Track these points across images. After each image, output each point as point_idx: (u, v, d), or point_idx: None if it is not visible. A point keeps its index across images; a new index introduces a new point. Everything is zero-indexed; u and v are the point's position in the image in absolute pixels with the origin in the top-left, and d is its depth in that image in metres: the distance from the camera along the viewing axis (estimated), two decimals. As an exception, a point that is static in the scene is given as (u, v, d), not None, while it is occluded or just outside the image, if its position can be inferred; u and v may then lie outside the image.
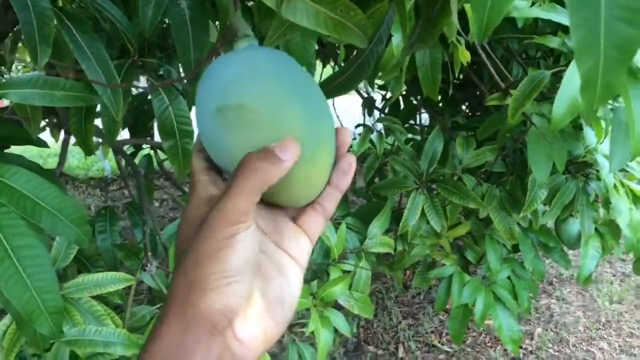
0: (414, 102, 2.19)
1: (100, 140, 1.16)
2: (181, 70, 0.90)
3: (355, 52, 0.64)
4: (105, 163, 4.71)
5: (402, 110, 2.22)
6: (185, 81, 0.82)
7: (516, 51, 1.75)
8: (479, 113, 2.23)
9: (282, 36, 0.58)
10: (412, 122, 2.28)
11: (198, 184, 0.41)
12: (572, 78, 0.99)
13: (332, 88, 0.63)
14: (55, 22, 0.65)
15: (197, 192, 0.40)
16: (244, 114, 0.38)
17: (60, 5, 0.72)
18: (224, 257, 0.35)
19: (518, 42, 1.76)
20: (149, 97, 1.38)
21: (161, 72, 0.90)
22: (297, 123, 0.39)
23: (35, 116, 0.83)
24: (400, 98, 2.20)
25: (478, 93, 2.09)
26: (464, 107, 2.26)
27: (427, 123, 2.37)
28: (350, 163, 0.43)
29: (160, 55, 0.95)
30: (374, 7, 0.57)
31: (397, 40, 1.05)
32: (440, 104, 2.13)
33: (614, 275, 3.02)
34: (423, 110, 2.23)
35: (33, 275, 0.64)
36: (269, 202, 0.42)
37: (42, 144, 0.87)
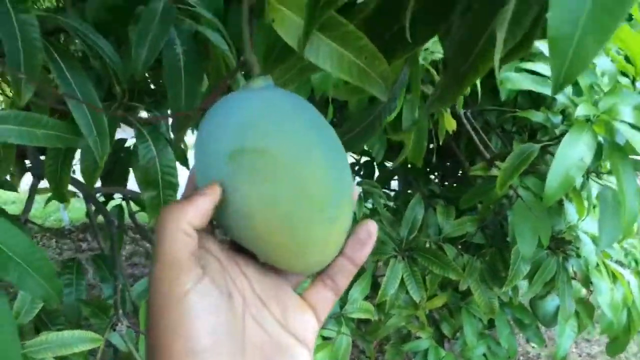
0: (388, 167, 2.19)
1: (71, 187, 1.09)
2: (170, 121, 0.85)
3: (365, 109, 0.61)
4: (63, 213, 4.53)
5: (378, 176, 2.20)
6: (172, 126, 0.76)
7: (494, 124, 1.78)
8: (452, 182, 2.23)
9: (291, 81, 0.54)
10: (384, 188, 2.26)
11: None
12: (564, 153, 0.99)
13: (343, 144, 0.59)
14: (43, 54, 0.60)
15: (164, 252, 0.34)
16: (264, 161, 0.33)
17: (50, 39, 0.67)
18: (186, 330, 0.29)
19: (497, 116, 1.79)
20: (126, 144, 1.34)
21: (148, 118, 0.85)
22: (321, 174, 0.35)
23: (8, 156, 0.76)
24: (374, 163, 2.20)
25: (450, 163, 2.10)
26: (433, 176, 2.26)
27: (397, 189, 2.36)
28: (369, 232, 0.38)
29: (148, 101, 0.90)
30: (390, 64, 0.54)
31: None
32: (411, 172, 2.13)
33: (580, 356, 2.99)
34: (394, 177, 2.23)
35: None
36: (272, 266, 0.37)
37: (11, 187, 0.79)
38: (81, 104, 0.64)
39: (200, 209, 0.32)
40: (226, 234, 0.36)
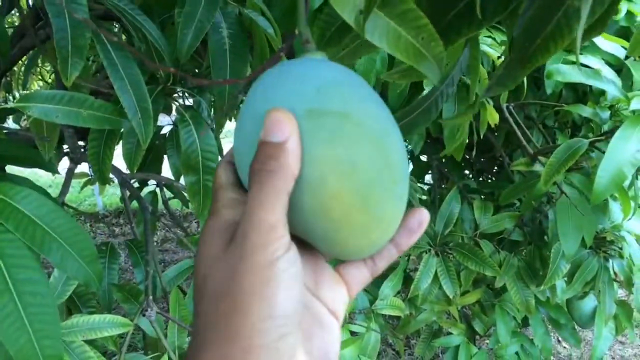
0: (425, 161, 2.15)
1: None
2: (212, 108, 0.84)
3: (417, 96, 0.59)
4: (98, 198, 4.62)
5: (413, 169, 2.17)
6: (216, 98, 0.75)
7: (536, 119, 1.73)
8: (488, 177, 2.19)
9: (341, 62, 0.53)
10: (419, 181, 2.22)
11: (221, 203, 0.33)
12: (616, 148, 0.95)
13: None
14: (90, 35, 0.59)
15: (220, 214, 0.33)
16: (346, 125, 0.30)
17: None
18: (270, 295, 0.27)
19: (537, 110, 1.75)
20: (162, 132, 1.34)
21: (190, 103, 0.84)
22: (399, 146, 0.33)
23: (52, 136, 0.76)
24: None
25: (487, 158, 2.06)
26: (469, 170, 2.22)
27: (430, 183, 2.32)
28: (421, 221, 0.36)
29: (191, 86, 0.89)
30: (454, 43, 0.52)
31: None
32: (446, 166, 2.09)
33: (613, 359, 2.92)
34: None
35: (34, 315, 0.54)
36: (310, 245, 0.35)
37: (53, 168, 0.79)
38: (127, 86, 0.63)
39: (295, 156, 0.29)
40: None
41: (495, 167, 2.13)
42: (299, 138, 0.30)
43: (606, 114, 1.25)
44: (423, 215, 0.36)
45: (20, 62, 1.66)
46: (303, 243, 0.35)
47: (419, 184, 2.13)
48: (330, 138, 0.30)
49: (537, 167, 1.28)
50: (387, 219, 0.33)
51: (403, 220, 0.35)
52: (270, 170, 0.29)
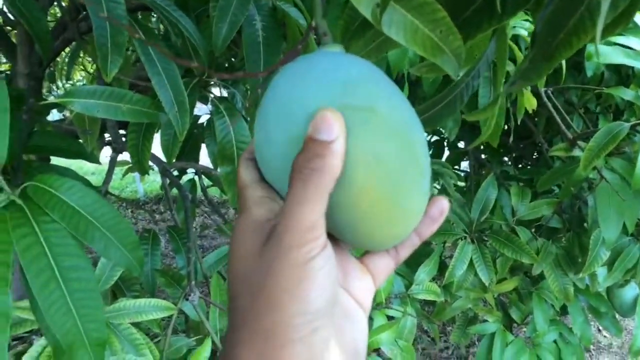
0: (459, 147, 2.13)
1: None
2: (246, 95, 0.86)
3: (451, 84, 0.59)
4: (139, 186, 4.73)
5: (448, 155, 2.15)
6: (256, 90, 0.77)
7: (577, 104, 1.69)
8: (527, 164, 2.15)
9: (368, 56, 0.53)
10: (454, 168, 2.20)
11: (250, 201, 0.33)
12: (657, 133, 0.92)
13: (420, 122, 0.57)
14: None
15: (250, 212, 0.33)
16: (373, 119, 0.31)
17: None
18: (304, 292, 0.28)
19: (578, 95, 1.70)
20: (199, 121, 1.37)
21: (225, 95, 0.86)
22: (424, 140, 0.34)
23: (94, 129, 0.79)
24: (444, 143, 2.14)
25: (526, 144, 2.02)
26: (507, 157, 2.18)
27: (467, 170, 2.29)
28: (442, 210, 0.37)
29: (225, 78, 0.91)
30: (474, 37, 0.51)
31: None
32: (484, 152, 2.07)
33: (653, 349, 2.84)
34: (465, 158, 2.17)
35: (79, 301, 0.58)
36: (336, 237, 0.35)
37: (95, 159, 0.83)
38: (164, 80, 0.66)
39: (339, 159, 0.29)
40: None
41: (535, 154, 2.09)
42: (345, 140, 0.30)
43: (649, 97, 1.21)
44: (444, 204, 0.37)
45: (63, 52, 1.70)
46: (328, 234, 0.36)
47: (454, 170, 2.12)
48: (357, 132, 0.30)
49: (577, 153, 1.25)
50: (413, 211, 0.34)
51: (425, 209, 0.35)
52: (314, 169, 0.29)
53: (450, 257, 1.48)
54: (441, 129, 2.02)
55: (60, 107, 1.88)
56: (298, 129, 0.31)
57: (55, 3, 0.95)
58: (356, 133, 0.30)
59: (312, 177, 0.29)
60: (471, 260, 1.45)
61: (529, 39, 1.14)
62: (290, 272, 0.28)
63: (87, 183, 0.74)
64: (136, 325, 0.90)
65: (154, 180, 4.89)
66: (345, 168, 0.30)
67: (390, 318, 1.32)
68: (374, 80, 0.33)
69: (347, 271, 0.36)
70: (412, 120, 0.34)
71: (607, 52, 1.03)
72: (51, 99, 0.69)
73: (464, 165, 2.36)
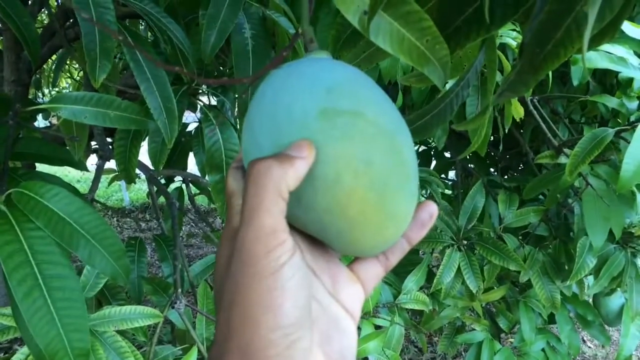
0: (446, 157, 2.15)
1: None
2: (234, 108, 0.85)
3: (438, 93, 0.59)
4: (125, 194, 4.70)
5: (436, 164, 2.16)
6: (240, 96, 0.77)
7: (562, 113, 1.71)
8: (514, 173, 2.17)
9: (358, 66, 0.53)
10: (442, 177, 2.21)
11: (235, 210, 0.33)
12: (642, 137, 0.93)
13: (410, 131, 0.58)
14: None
15: (231, 222, 0.32)
16: (360, 123, 0.31)
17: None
18: (277, 305, 0.27)
19: (563, 105, 1.72)
20: (187, 129, 1.36)
21: (214, 103, 0.86)
22: (410, 143, 0.34)
23: (82, 136, 0.78)
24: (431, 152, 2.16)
25: (512, 153, 2.04)
26: (494, 168, 2.20)
27: (454, 178, 2.31)
28: (431, 214, 0.37)
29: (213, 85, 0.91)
30: (463, 47, 0.51)
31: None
32: (471, 161, 2.08)
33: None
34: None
35: (62, 310, 0.57)
36: (322, 243, 0.35)
37: (82, 166, 0.82)
38: (152, 87, 0.65)
39: (299, 172, 0.29)
40: None
41: (521, 165, 2.11)
42: (309, 166, 0.30)
43: (633, 105, 1.23)
44: (432, 208, 0.36)
45: (49, 60, 1.69)
46: (316, 241, 0.36)
47: (442, 180, 2.13)
48: (344, 136, 0.30)
49: (563, 160, 1.27)
50: (401, 215, 0.33)
51: (414, 214, 0.35)
52: (274, 170, 0.29)
53: (438, 266, 1.49)
54: (428, 139, 2.03)
55: (46, 113, 1.87)
56: (283, 134, 0.31)
57: (44, 9, 0.94)
58: (342, 137, 0.30)
59: (265, 181, 0.28)
60: (459, 268, 1.45)
61: (516, 48, 1.15)
62: (259, 283, 0.28)
63: (74, 190, 0.73)
64: (121, 333, 0.89)
65: (140, 188, 4.86)
66: (332, 173, 0.30)
67: (377, 327, 1.32)
68: (359, 85, 0.33)
69: (336, 279, 0.36)
70: (399, 124, 0.34)
71: (593, 58, 1.04)
72: (39, 105, 0.69)
73: (451, 174, 2.37)
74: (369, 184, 0.31)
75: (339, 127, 0.30)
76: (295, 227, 0.35)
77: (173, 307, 0.97)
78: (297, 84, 0.32)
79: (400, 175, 0.32)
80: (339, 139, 0.30)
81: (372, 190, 0.31)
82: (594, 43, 0.39)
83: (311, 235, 0.35)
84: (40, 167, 0.98)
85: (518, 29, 1.22)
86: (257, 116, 0.33)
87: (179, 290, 0.97)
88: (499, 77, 1.14)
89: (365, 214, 0.31)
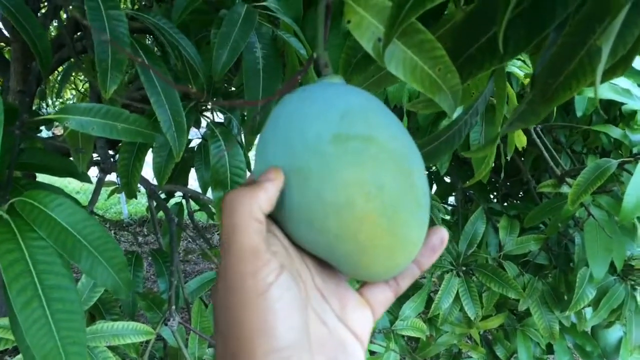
0: (450, 182, 2.14)
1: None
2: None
3: (443, 119, 0.59)
4: (124, 207, 4.69)
5: (437, 190, 2.16)
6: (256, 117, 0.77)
7: (564, 143, 1.72)
8: (515, 200, 2.16)
9: (367, 90, 0.53)
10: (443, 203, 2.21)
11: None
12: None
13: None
14: (129, 49, 0.61)
15: (240, 241, 0.32)
16: (372, 148, 0.31)
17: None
18: (271, 328, 0.27)
19: (566, 135, 1.73)
20: (190, 145, 1.36)
21: (220, 119, 0.86)
22: (422, 169, 0.34)
23: (87, 148, 0.78)
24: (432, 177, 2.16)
25: (513, 181, 2.04)
26: (493, 195, 2.20)
27: (453, 203, 2.31)
28: (442, 239, 0.37)
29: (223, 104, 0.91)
30: (475, 76, 0.52)
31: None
32: (471, 187, 2.08)
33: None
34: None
35: (61, 322, 0.56)
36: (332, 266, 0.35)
37: (86, 178, 0.82)
38: (162, 100, 0.65)
39: (269, 194, 0.30)
40: (284, 229, 0.34)
41: (521, 192, 2.11)
42: (279, 189, 0.31)
43: (637, 136, 1.23)
44: (443, 233, 0.37)
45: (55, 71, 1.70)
46: (325, 265, 0.36)
47: (442, 205, 2.12)
48: (357, 161, 0.30)
49: (565, 189, 1.27)
50: (412, 240, 0.33)
51: (425, 239, 0.35)
52: (246, 193, 0.30)
53: (436, 291, 1.48)
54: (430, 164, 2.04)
55: (49, 125, 1.87)
56: (297, 158, 0.32)
57: (55, 21, 0.95)
58: (354, 162, 0.30)
59: (236, 206, 0.30)
60: (457, 294, 1.44)
61: (522, 77, 1.16)
62: (248, 306, 0.28)
63: (76, 201, 0.73)
64: (113, 349, 0.88)
65: (138, 202, 4.85)
66: (344, 197, 0.30)
67: (372, 353, 1.31)
68: (372, 110, 0.33)
69: (345, 303, 0.36)
70: (411, 150, 0.34)
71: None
72: (46, 116, 0.69)
73: (451, 199, 2.37)
74: (381, 209, 0.31)
75: (351, 152, 0.31)
76: (306, 251, 0.35)
77: (166, 325, 0.96)
78: (311, 108, 0.33)
79: (411, 200, 0.32)
80: (351, 163, 0.31)
81: (384, 215, 0.31)
82: (606, 77, 0.39)
83: (321, 258, 0.35)
84: (40, 178, 0.98)
85: (522, 58, 1.23)
86: (271, 140, 0.34)
87: (173, 307, 0.96)
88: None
89: (376, 239, 0.31)
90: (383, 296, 0.37)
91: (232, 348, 0.28)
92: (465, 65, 0.43)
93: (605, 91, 1.05)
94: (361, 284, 0.37)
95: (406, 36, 0.40)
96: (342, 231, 0.31)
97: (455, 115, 0.58)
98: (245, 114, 0.89)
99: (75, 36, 1.05)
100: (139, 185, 0.99)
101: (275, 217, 0.34)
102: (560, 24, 0.40)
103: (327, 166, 0.31)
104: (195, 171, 1.15)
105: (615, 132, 1.22)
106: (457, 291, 1.44)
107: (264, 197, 0.30)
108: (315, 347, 0.31)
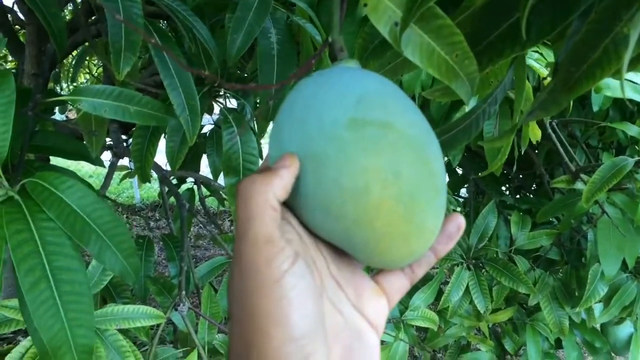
0: (462, 174, 2.13)
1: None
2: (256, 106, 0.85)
3: (458, 109, 0.58)
4: (136, 192, 4.71)
5: (448, 182, 2.15)
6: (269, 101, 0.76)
7: (580, 138, 1.69)
8: (526, 193, 2.14)
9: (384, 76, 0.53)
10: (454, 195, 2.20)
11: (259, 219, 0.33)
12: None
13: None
14: (143, 32, 0.61)
15: (254, 229, 0.31)
16: (389, 134, 0.30)
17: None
18: (284, 316, 0.27)
19: (581, 129, 1.71)
20: (202, 131, 1.36)
21: (233, 105, 0.86)
22: (440, 155, 0.33)
23: (100, 131, 0.78)
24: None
25: (526, 174, 2.02)
26: (505, 187, 2.18)
27: (465, 195, 2.29)
28: (459, 226, 0.36)
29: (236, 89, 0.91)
30: (495, 63, 0.51)
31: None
32: (484, 180, 2.06)
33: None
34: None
35: (69, 304, 0.56)
36: (347, 254, 0.35)
37: (99, 162, 0.82)
38: (176, 83, 0.65)
39: (285, 181, 0.30)
40: (299, 216, 0.34)
41: (534, 185, 2.09)
42: (294, 175, 0.31)
43: (654, 134, 1.21)
44: (460, 220, 0.36)
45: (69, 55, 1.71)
46: (341, 253, 0.35)
47: (454, 197, 2.11)
48: (374, 147, 0.30)
49: (579, 185, 1.25)
50: (429, 228, 0.33)
51: (442, 226, 0.34)
52: (260, 181, 0.30)
53: (446, 283, 1.47)
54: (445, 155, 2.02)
55: (62, 107, 1.88)
56: (313, 143, 0.31)
57: (70, 3, 0.95)
58: (372, 148, 0.30)
59: (251, 193, 0.29)
60: (467, 287, 1.43)
61: (539, 69, 1.14)
62: (262, 293, 0.27)
63: (88, 185, 0.73)
64: (124, 332, 0.88)
65: (151, 187, 4.87)
66: (361, 183, 0.30)
67: (381, 342, 1.30)
68: (390, 96, 0.32)
69: (360, 291, 0.35)
70: (429, 136, 0.33)
71: (615, 86, 1.03)
72: (59, 97, 0.69)
73: (462, 191, 2.35)
74: (398, 196, 0.30)
75: (368, 138, 0.30)
76: (321, 238, 0.34)
77: (176, 310, 0.96)
78: (327, 93, 0.32)
79: (428, 186, 0.32)
80: (368, 149, 0.30)
81: (401, 202, 0.30)
82: (632, 66, 0.38)
83: (337, 246, 0.34)
84: (53, 161, 0.98)
85: (540, 50, 1.21)
86: (286, 125, 0.33)
87: (183, 292, 0.96)
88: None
89: (393, 226, 0.31)
90: (399, 284, 0.36)
91: (247, 335, 0.28)
92: (485, 52, 0.42)
93: (629, 92, 1.03)
94: (376, 272, 0.37)
95: (424, 21, 0.39)
96: (358, 218, 0.31)
97: (470, 105, 0.57)
98: (259, 100, 0.88)
99: (89, 20, 1.04)
100: (151, 170, 0.99)
101: (289, 204, 0.34)
102: (585, 11, 0.38)
103: (343, 152, 0.30)
104: (207, 157, 1.15)
105: (633, 129, 1.20)
106: (467, 284, 1.43)
107: (279, 185, 0.30)
108: (331, 336, 0.31)
